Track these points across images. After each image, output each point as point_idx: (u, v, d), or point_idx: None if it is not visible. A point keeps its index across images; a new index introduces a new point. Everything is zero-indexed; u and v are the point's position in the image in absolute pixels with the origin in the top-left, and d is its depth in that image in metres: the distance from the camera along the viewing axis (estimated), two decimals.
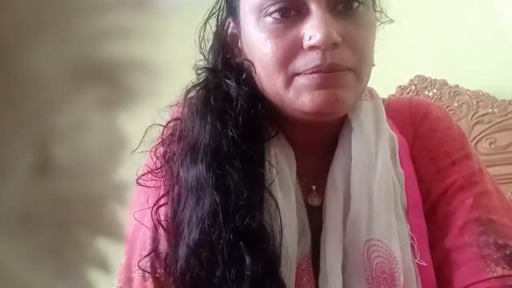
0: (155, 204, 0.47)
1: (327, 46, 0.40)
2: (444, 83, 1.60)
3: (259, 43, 0.44)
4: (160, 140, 0.50)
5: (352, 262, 0.41)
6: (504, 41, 1.64)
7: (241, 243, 0.40)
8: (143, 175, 0.50)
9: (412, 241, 0.43)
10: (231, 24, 0.51)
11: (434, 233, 0.47)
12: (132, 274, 0.46)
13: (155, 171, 0.49)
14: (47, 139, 0.12)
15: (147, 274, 0.45)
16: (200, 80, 0.51)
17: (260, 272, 0.39)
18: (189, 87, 0.51)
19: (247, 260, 0.39)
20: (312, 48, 0.41)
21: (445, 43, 1.70)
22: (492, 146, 1.45)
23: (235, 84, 0.46)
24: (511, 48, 1.61)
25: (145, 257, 0.46)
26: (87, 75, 0.13)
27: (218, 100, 0.46)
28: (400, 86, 1.64)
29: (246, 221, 0.41)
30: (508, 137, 1.45)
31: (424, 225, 0.46)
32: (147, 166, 0.51)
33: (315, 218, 0.46)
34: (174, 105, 0.52)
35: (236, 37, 0.51)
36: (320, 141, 0.51)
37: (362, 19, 0.44)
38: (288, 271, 0.41)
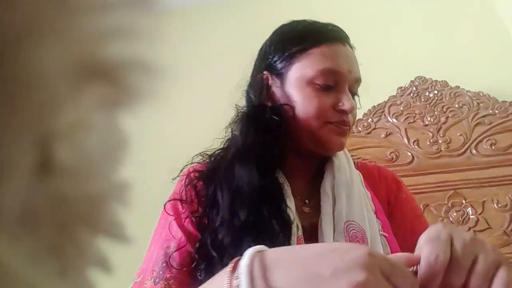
0: (191, 213, 0.65)
1: (349, 111, 0.69)
2: (444, 84, 1.60)
3: (307, 98, 0.69)
4: (187, 174, 0.71)
5: (337, 233, 0.64)
6: (505, 42, 1.64)
7: (261, 198, 0.62)
8: (170, 200, 0.69)
9: (378, 223, 0.69)
10: (269, 77, 0.74)
11: None
12: (144, 286, 0.60)
13: (182, 199, 0.68)
14: (48, 139, 0.12)
15: (157, 279, 0.59)
16: (243, 111, 0.74)
17: (275, 219, 0.61)
18: (237, 118, 0.73)
19: (265, 210, 0.61)
20: (341, 110, 0.69)
21: (446, 45, 1.70)
22: (493, 147, 1.44)
23: (275, 118, 0.69)
24: None
25: (171, 250, 0.63)
26: (88, 75, 0.13)
27: (258, 126, 0.69)
28: (401, 87, 1.64)
29: (262, 183, 0.63)
30: (509, 138, 1.45)
31: (386, 220, 0.72)
32: (175, 194, 0.70)
33: (307, 219, 0.69)
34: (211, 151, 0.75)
35: (270, 87, 0.74)
36: (308, 171, 0.77)
37: (355, 99, 0.73)
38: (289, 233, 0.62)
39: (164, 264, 0.61)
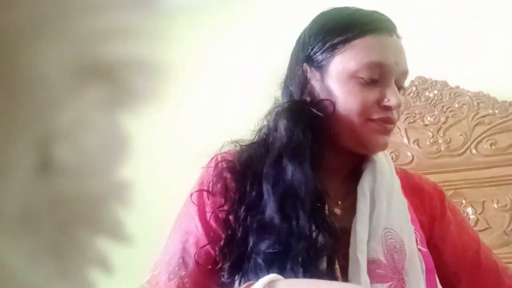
0: (217, 208, 0.62)
1: (396, 108, 0.64)
2: (444, 84, 1.60)
3: (349, 93, 0.63)
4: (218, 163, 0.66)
5: (373, 240, 0.59)
6: (505, 42, 1.64)
7: (316, 203, 0.59)
8: (197, 191, 0.65)
9: (416, 235, 0.64)
10: (308, 70, 0.68)
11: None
12: (159, 280, 0.60)
13: (210, 191, 0.64)
14: (49, 139, 0.12)
15: (172, 276, 0.59)
16: (285, 105, 0.67)
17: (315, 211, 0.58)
18: (275, 111, 0.68)
19: (319, 217, 0.58)
20: (386, 107, 0.63)
21: (446, 45, 1.70)
22: (493, 147, 1.44)
23: (319, 114, 0.64)
24: None
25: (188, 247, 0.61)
26: (89, 75, 0.13)
27: (305, 123, 0.64)
28: None
29: (319, 187, 0.60)
30: (509, 138, 1.45)
31: (422, 232, 0.68)
32: (203, 184, 0.66)
33: (338, 221, 0.63)
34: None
35: (309, 80, 0.68)
36: (344, 170, 0.71)
37: (401, 94, 0.67)
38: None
39: (181, 260, 0.60)
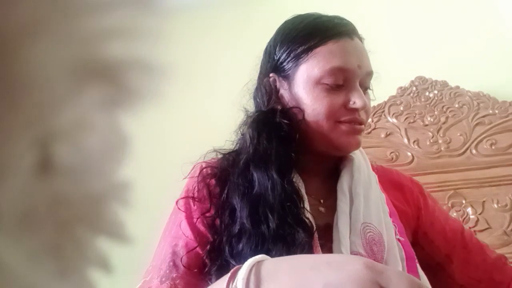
0: (203, 214, 0.64)
1: (362, 109, 0.66)
2: (444, 84, 1.60)
3: (316, 99, 0.66)
4: (202, 171, 0.69)
5: (353, 234, 0.62)
6: (505, 42, 1.64)
7: (286, 205, 0.60)
8: (183, 198, 0.67)
9: (394, 227, 0.68)
10: (276, 79, 0.72)
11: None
12: (151, 284, 0.60)
13: (195, 197, 0.66)
14: (49, 139, 0.12)
15: (163, 279, 0.59)
16: (252, 116, 0.70)
17: (293, 211, 0.60)
18: (245, 122, 0.71)
19: (290, 218, 0.60)
20: (352, 109, 0.66)
21: (446, 45, 1.70)
22: (493, 147, 1.44)
23: (286, 122, 0.67)
24: None
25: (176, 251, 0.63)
26: (89, 75, 0.13)
27: (270, 132, 0.67)
28: (401, 87, 1.64)
29: (286, 189, 0.62)
30: (509, 138, 1.45)
31: (400, 223, 0.72)
32: (188, 191, 0.68)
33: (322, 218, 0.67)
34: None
35: (278, 90, 0.72)
36: (323, 170, 0.75)
37: (368, 96, 0.71)
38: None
39: (171, 263, 0.61)
